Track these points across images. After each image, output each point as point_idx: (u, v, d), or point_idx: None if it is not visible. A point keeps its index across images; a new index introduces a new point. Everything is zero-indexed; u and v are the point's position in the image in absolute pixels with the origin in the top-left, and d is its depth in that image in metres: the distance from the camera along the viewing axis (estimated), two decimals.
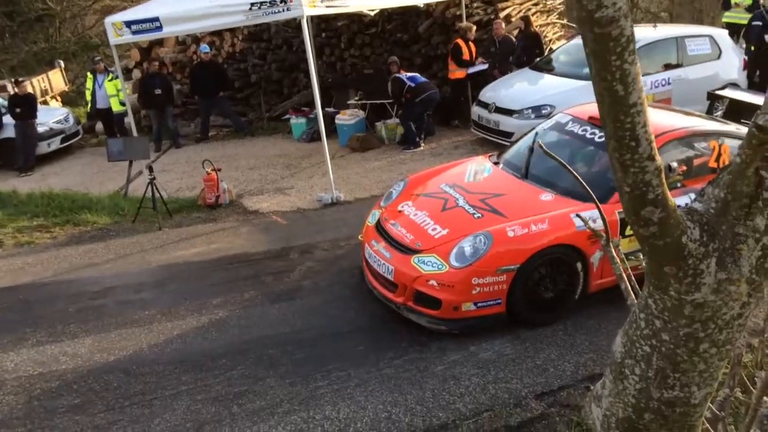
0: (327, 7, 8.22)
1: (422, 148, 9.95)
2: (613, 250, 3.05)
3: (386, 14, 11.62)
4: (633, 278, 3.19)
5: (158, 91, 11.27)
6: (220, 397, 4.37)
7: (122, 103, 11.27)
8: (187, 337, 5.14)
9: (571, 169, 2.84)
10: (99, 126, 12.83)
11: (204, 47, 11.95)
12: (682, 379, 2.95)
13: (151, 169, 7.78)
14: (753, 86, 9.63)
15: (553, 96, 8.91)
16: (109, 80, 11.71)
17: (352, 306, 5.43)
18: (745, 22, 11.11)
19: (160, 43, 12.89)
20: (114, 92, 11.66)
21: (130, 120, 10.02)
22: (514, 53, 10.61)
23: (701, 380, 2.97)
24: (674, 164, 5.04)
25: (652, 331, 2.94)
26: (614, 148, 2.46)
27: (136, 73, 13.05)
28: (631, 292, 3.24)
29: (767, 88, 9.04)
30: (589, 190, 2.89)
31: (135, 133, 9.74)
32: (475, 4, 11.40)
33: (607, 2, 2.15)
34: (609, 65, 2.26)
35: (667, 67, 9.30)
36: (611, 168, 2.57)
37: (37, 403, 4.45)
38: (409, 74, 10.10)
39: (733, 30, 11.25)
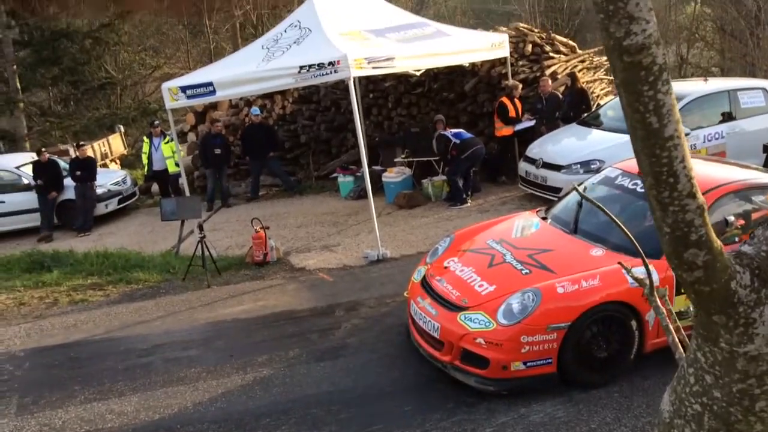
0: (374, 68, 8.42)
1: (469, 204, 9.91)
2: (657, 300, 2.89)
3: (432, 74, 11.80)
4: (682, 331, 3.01)
5: (218, 151, 11.65)
6: None
7: (177, 164, 11.65)
8: (232, 395, 5.10)
9: (609, 213, 2.73)
10: (155, 187, 13.27)
11: (255, 110, 12.34)
12: None
13: (201, 227, 7.94)
14: None
15: (602, 151, 8.79)
16: (165, 143, 12.16)
17: (398, 365, 5.32)
18: None
19: (214, 106, 13.37)
20: (170, 154, 12.07)
21: (183, 180, 10.33)
22: (560, 109, 10.59)
23: None
24: (731, 218, 4.85)
25: (703, 388, 2.75)
26: (651, 185, 2.34)
27: (191, 136, 13.52)
28: (679, 345, 3.05)
29: None
30: (631, 237, 2.76)
31: (188, 193, 10.02)
32: (521, 63, 11.48)
33: (635, 29, 2.07)
34: (641, 96, 2.16)
35: (721, 120, 9.11)
36: (649, 208, 2.44)
37: None
38: (454, 131, 10.15)
39: None
